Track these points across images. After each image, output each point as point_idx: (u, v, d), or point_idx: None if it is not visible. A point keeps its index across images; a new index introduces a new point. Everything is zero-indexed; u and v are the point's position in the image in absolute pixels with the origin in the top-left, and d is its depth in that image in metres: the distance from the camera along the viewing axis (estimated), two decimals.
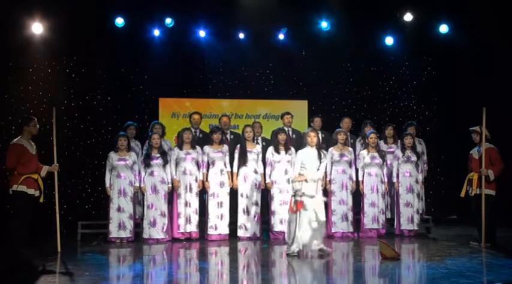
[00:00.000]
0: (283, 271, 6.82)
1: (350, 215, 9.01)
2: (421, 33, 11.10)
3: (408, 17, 10.96)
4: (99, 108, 10.62)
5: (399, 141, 9.36)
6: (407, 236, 8.97)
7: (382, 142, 9.49)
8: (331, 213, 9.00)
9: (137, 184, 8.74)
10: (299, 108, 11.05)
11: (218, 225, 8.78)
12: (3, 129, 10.06)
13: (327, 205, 9.00)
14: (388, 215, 9.35)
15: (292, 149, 8.92)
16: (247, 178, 8.82)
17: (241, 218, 8.80)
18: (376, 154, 9.07)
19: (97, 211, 10.09)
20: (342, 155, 9.03)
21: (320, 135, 9.47)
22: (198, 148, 8.89)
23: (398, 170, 9.12)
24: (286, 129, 9.42)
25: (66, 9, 9.83)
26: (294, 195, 7.38)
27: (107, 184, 8.68)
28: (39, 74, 10.36)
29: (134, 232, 8.74)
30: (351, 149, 9.21)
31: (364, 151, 9.14)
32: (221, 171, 8.86)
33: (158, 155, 8.74)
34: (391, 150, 9.44)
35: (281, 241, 8.68)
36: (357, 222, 9.15)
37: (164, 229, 8.70)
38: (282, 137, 8.86)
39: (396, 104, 11.46)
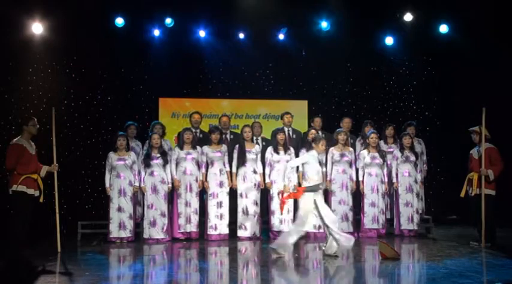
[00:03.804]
0: (283, 271, 6.81)
1: (350, 215, 9.01)
2: (421, 33, 11.10)
3: (408, 17, 10.96)
4: (99, 108, 10.62)
5: (398, 141, 9.36)
6: (407, 236, 8.97)
7: (382, 142, 9.49)
8: None
9: (137, 184, 8.74)
10: (299, 108, 11.06)
11: (218, 225, 8.78)
12: (3, 129, 10.06)
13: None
14: (388, 216, 9.35)
15: (292, 149, 8.93)
16: (247, 178, 8.83)
17: (241, 218, 8.81)
18: (376, 154, 9.07)
19: (97, 211, 10.08)
20: (342, 155, 9.03)
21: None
22: (198, 148, 8.89)
23: (397, 170, 9.12)
24: (286, 129, 9.43)
25: (66, 9, 9.82)
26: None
27: (107, 185, 8.68)
28: (39, 74, 10.36)
29: (134, 232, 8.74)
30: (351, 149, 9.22)
31: (365, 151, 9.14)
32: (220, 171, 8.86)
33: (158, 155, 8.74)
34: (391, 150, 9.44)
35: None
36: (357, 222, 9.16)
37: (164, 229, 8.70)
38: (281, 137, 8.87)
39: (396, 104, 11.46)
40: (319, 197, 7.43)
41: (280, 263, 6.99)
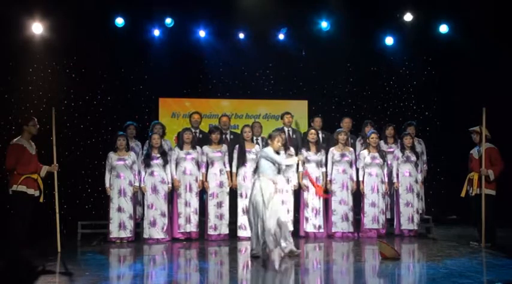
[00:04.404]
0: (283, 270, 6.81)
1: (350, 215, 9.02)
2: (421, 33, 11.09)
3: (408, 17, 10.95)
4: (99, 108, 10.62)
5: (399, 141, 9.36)
6: (407, 236, 8.97)
7: (382, 142, 9.49)
8: (331, 213, 9.02)
9: (137, 184, 8.74)
10: (299, 108, 11.05)
11: (218, 225, 8.79)
12: (3, 129, 10.06)
13: (327, 205, 9.06)
14: (388, 216, 9.35)
15: (292, 149, 8.93)
16: (247, 178, 8.82)
17: (241, 218, 8.80)
18: (376, 154, 9.08)
19: (97, 211, 10.08)
20: (342, 155, 9.04)
21: (320, 135, 9.49)
22: (198, 148, 8.90)
23: (398, 170, 9.12)
24: (286, 129, 9.44)
25: (66, 9, 9.82)
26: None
27: (107, 185, 8.68)
28: (39, 74, 10.35)
29: (135, 232, 8.74)
30: (351, 149, 9.22)
31: (365, 151, 9.14)
32: (220, 171, 8.86)
33: (158, 155, 8.75)
34: (391, 150, 9.44)
35: None
36: (357, 222, 9.15)
37: (164, 229, 8.70)
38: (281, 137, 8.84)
39: (396, 104, 11.45)
40: (269, 191, 7.15)
41: (280, 263, 6.98)
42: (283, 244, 7.20)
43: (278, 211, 7.22)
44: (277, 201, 7.31)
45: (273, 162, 7.27)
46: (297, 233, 8.99)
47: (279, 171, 7.44)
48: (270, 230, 7.06)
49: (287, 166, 8.02)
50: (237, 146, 8.97)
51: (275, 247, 7.14)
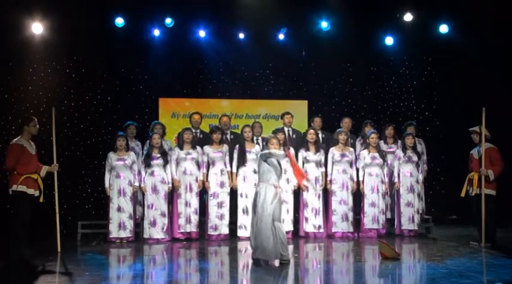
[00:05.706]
0: (283, 270, 6.80)
1: (350, 215, 9.02)
2: (421, 33, 11.10)
3: (408, 17, 10.95)
4: (99, 108, 10.62)
5: (399, 141, 9.36)
6: (408, 236, 8.97)
7: (382, 142, 9.49)
8: (331, 213, 9.02)
9: (137, 184, 8.74)
10: (299, 108, 11.05)
11: (218, 225, 8.79)
12: (3, 129, 10.06)
13: (327, 205, 9.06)
14: (388, 216, 9.35)
15: (292, 149, 8.93)
16: (247, 178, 8.82)
17: (241, 218, 8.80)
18: (376, 154, 9.07)
19: (97, 211, 10.09)
20: (343, 155, 9.04)
21: (320, 135, 9.49)
22: (198, 148, 8.90)
23: (399, 170, 9.11)
24: (286, 129, 9.44)
25: (66, 9, 9.83)
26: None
27: (107, 185, 8.68)
28: (39, 74, 10.36)
29: (134, 232, 8.75)
30: (351, 149, 9.22)
31: (365, 151, 9.14)
32: (221, 171, 8.86)
33: (159, 155, 8.75)
34: (391, 150, 9.44)
35: None
36: (357, 222, 9.16)
37: (164, 229, 8.70)
38: (280, 137, 8.84)
39: (396, 104, 11.46)
40: (263, 194, 6.83)
41: (280, 263, 6.98)
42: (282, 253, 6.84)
43: (276, 219, 6.87)
44: (277, 209, 6.88)
45: (278, 162, 6.90)
46: (297, 233, 9.00)
47: (280, 173, 7.00)
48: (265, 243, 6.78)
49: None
50: (237, 146, 8.97)
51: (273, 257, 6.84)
